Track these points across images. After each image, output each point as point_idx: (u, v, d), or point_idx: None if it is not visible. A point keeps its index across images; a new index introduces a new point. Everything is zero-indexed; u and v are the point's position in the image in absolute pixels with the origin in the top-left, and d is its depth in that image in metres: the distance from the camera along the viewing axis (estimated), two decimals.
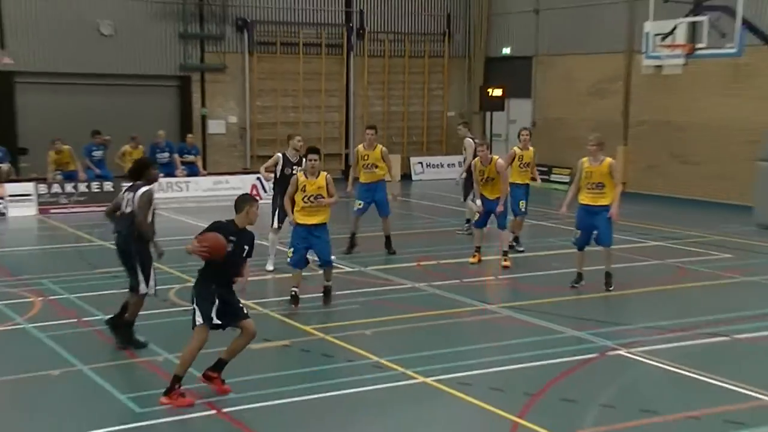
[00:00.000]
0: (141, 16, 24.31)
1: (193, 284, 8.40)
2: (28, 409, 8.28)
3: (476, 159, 14.38)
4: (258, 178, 20.67)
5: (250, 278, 8.79)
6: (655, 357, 9.74)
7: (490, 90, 25.29)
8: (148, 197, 9.73)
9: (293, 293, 11.42)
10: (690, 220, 19.20)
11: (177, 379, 8.16)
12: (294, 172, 13.55)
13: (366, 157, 15.34)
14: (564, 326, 10.92)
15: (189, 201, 21.64)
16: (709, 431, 7.72)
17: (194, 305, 8.21)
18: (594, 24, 24.83)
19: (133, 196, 9.72)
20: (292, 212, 11.50)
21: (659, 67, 19.31)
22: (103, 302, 11.68)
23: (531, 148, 15.52)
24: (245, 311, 8.39)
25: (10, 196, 20.13)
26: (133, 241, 9.78)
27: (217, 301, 8.11)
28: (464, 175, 17.47)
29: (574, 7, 25.40)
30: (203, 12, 25.21)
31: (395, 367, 9.27)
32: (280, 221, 13.24)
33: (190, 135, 24.10)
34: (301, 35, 26.47)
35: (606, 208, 12.39)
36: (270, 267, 13.63)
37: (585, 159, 12.55)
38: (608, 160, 12.51)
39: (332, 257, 11.81)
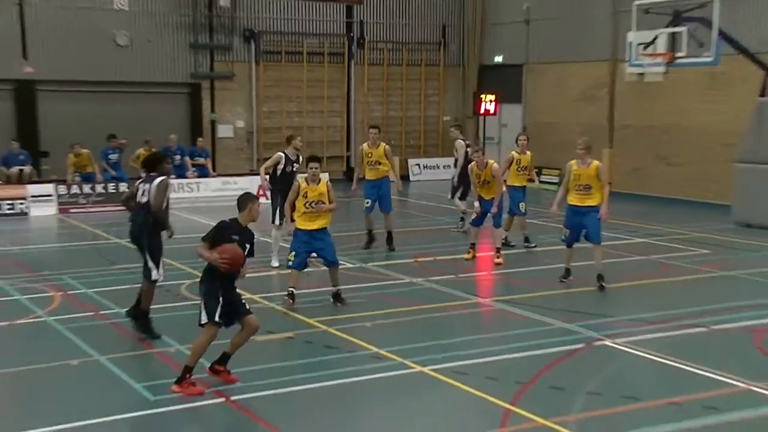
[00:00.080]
0: (154, 27, 24.31)
1: (199, 280, 8.38)
2: (49, 396, 8.29)
3: (472, 164, 14.40)
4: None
5: (256, 274, 8.79)
6: (639, 347, 9.75)
7: (483, 97, 25.31)
8: (165, 185, 9.90)
9: (290, 291, 11.28)
10: (672, 219, 19.21)
11: (188, 370, 8.17)
12: (294, 169, 13.65)
13: (370, 155, 15.37)
14: (553, 319, 10.93)
15: (199, 201, 21.64)
16: (689, 416, 7.71)
17: (201, 302, 8.22)
18: (581, 34, 24.83)
19: (150, 186, 9.83)
20: (292, 219, 11.34)
21: (642, 74, 19.31)
22: (119, 297, 11.69)
23: (528, 153, 15.50)
24: (247, 306, 8.39)
25: (32, 196, 20.16)
26: (146, 230, 9.86)
27: (221, 300, 8.10)
28: (455, 176, 17.58)
29: (562, 18, 25.40)
30: (213, 23, 25.21)
31: (394, 357, 9.27)
32: (281, 218, 13.15)
33: (200, 139, 24.13)
34: (304, 45, 26.46)
35: (593, 208, 12.36)
36: (275, 263, 13.57)
37: (573, 162, 12.53)
38: (595, 162, 12.49)
39: (337, 257, 11.61)
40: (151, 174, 10.02)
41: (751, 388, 8.45)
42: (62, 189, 20.50)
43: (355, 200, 22.98)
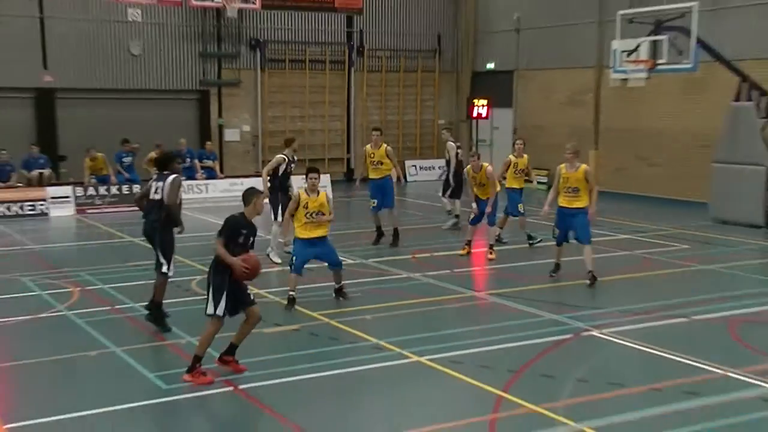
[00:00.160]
0: (166, 37, 24.31)
1: (208, 272, 8.38)
2: (69, 385, 8.33)
3: (468, 167, 14.44)
4: None
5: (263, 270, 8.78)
6: (623, 337, 9.76)
7: (476, 102, 25.32)
8: (179, 183, 9.96)
9: (290, 296, 11.03)
10: (654, 216, 19.22)
11: (197, 359, 8.19)
12: (292, 168, 13.82)
13: (372, 155, 15.44)
14: (543, 311, 10.94)
15: (208, 201, 21.64)
16: (670, 401, 7.73)
17: (209, 294, 8.22)
18: (568, 42, 24.82)
19: (163, 184, 9.85)
20: (289, 230, 11.20)
21: (625, 80, 19.31)
22: (133, 292, 11.70)
23: (525, 156, 15.47)
24: (252, 298, 8.38)
25: (52, 198, 20.16)
26: (159, 226, 9.87)
27: (227, 293, 8.10)
28: (445, 174, 17.68)
29: (550, 27, 25.39)
30: (220, 33, 25.19)
31: (393, 348, 9.28)
32: (283, 214, 12.98)
33: (208, 142, 24.12)
34: (307, 53, 26.45)
35: (581, 210, 12.31)
36: (277, 260, 13.52)
37: (562, 165, 12.49)
38: (583, 166, 12.45)
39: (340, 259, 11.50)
40: (164, 173, 10.04)
41: (728, 374, 8.48)
42: (79, 191, 20.50)
43: (355, 200, 23.07)
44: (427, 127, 28.96)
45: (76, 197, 20.40)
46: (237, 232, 8.16)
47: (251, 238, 8.35)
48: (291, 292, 11.05)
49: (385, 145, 15.49)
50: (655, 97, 21.72)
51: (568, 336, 9.87)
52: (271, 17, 25.83)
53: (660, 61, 18.12)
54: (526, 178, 15.73)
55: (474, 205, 14.42)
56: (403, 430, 7.10)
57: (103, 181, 20.95)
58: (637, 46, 18.44)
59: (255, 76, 25.75)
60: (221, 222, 8.29)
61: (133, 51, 23.80)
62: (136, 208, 10.65)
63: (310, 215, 10.99)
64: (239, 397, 7.93)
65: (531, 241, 15.39)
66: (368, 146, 15.61)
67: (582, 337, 9.84)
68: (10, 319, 10.64)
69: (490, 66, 27.87)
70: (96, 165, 21.08)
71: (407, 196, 23.44)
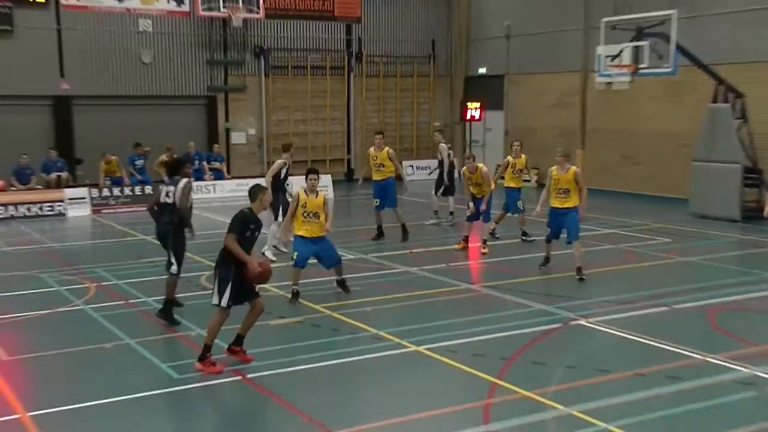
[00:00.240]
0: (175, 46, 24.27)
1: (215, 264, 8.37)
2: (86, 375, 8.34)
3: (464, 168, 14.44)
4: None
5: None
6: (609, 325, 9.78)
7: (469, 105, 25.32)
8: (189, 187, 9.99)
9: (294, 290, 11.02)
10: (637, 212, 19.24)
11: (207, 348, 8.21)
12: (288, 171, 13.77)
13: (375, 158, 15.46)
14: (533, 302, 10.95)
15: (216, 201, 21.63)
16: (653, 385, 7.74)
17: (215, 285, 8.22)
18: (555, 48, 24.81)
19: (174, 189, 9.87)
20: (290, 230, 11.08)
21: (610, 83, 19.31)
22: (146, 287, 11.72)
23: (523, 156, 15.40)
24: (256, 290, 8.39)
25: (69, 199, 20.16)
26: (171, 229, 9.88)
27: (232, 286, 8.10)
28: (437, 173, 17.75)
29: (538, 34, 25.39)
30: (227, 42, 25.16)
31: (392, 338, 9.29)
32: (284, 214, 12.87)
33: (216, 145, 24.10)
34: (308, 60, 26.42)
35: (572, 209, 12.27)
36: (272, 257, 13.37)
37: (553, 168, 12.43)
38: (573, 168, 12.40)
39: (339, 255, 11.44)
40: (174, 177, 10.04)
41: (707, 359, 8.50)
42: (95, 192, 20.50)
43: (355, 198, 23.09)
44: (423, 129, 28.95)
45: (92, 198, 20.40)
46: (246, 226, 8.19)
47: (257, 233, 8.40)
48: (294, 287, 11.05)
49: (387, 148, 15.50)
50: (638, 99, 21.73)
51: (557, 325, 9.88)
52: (274, 26, 25.81)
53: (642, 66, 18.15)
54: (525, 177, 15.64)
55: (470, 203, 14.43)
56: (402, 415, 7.12)
57: (117, 182, 20.96)
58: (620, 52, 18.46)
59: (259, 82, 25.73)
60: (228, 220, 8.30)
61: (144, 59, 23.78)
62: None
63: (308, 215, 10.94)
64: (247, 386, 7.94)
65: (524, 237, 15.38)
66: (371, 149, 15.63)
67: (570, 326, 9.85)
68: (31, 313, 10.64)
69: (482, 71, 27.85)
70: (110, 168, 21.08)
71: (404, 195, 23.39)
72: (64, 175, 21.03)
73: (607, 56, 18.80)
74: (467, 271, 13.58)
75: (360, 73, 27.40)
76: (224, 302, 8.13)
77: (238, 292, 8.19)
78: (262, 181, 13.77)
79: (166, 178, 10.35)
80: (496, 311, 10.53)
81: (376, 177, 15.44)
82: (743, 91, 18.36)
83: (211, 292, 8.44)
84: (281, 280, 11.97)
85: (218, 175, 22.99)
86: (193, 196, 10.53)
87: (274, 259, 13.36)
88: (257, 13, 24.60)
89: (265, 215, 9.22)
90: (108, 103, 23.31)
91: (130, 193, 20.73)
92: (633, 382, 7.87)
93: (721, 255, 14.32)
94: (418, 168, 27.81)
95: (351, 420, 7.06)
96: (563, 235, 12.55)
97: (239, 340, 8.46)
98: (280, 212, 13.37)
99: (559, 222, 12.40)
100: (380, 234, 15.55)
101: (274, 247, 13.73)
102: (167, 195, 9.91)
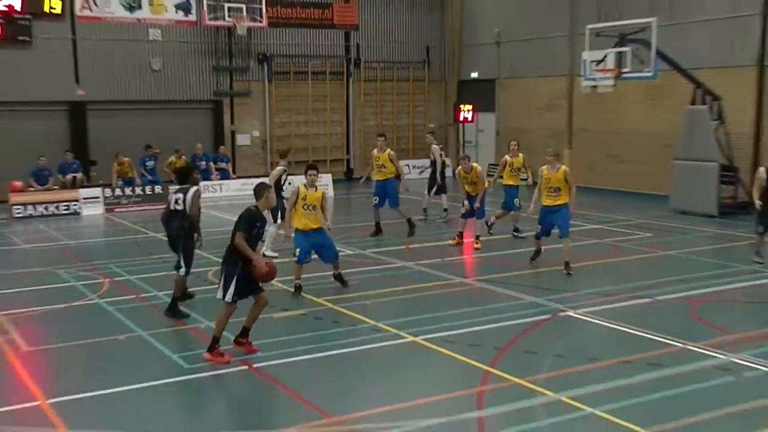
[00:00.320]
0: (183, 54, 24.22)
1: (222, 260, 8.36)
2: (101, 365, 8.34)
3: (459, 168, 14.41)
4: None
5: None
6: (596, 316, 9.79)
7: (462, 107, 25.34)
8: (199, 195, 10.00)
9: (297, 285, 11.00)
10: (621, 208, 19.24)
11: (215, 340, 8.21)
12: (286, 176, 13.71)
13: (378, 159, 15.44)
14: (524, 294, 10.95)
15: (222, 200, 21.59)
16: (637, 372, 7.76)
17: (221, 280, 8.21)
18: (543, 53, 24.77)
19: (184, 196, 9.87)
20: (290, 225, 10.99)
21: (595, 87, 19.31)
22: (157, 282, 11.71)
23: (520, 155, 15.20)
24: (260, 284, 8.38)
25: (84, 198, 20.12)
26: (182, 233, 9.88)
27: (237, 280, 8.09)
28: (429, 173, 17.74)
29: (527, 40, 25.35)
30: (232, 49, 25.10)
31: (390, 329, 9.29)
32: (282, 217, 12.82)
33: (222, 146, 24.05)
34: (309, 66, 26.36)
35: (562, 206, 12.22)
36: (270, 254, 13.26)
37: (544, 167, 12.37)
38: (563, 167, 12.35)
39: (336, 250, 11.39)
40: (183, 186, 10.03)
41: (687, 347, 8.52)
42: (108, 192, 20.46)
43: (354, 197, 23.08)
44: (419, 130, 28.85)
45: (105, 198, 20.36)
46: (253, 225, 8.18)
47: (262, 230, 8.40)
48: (297, 281, 11.05)
49: (388, 150, 15.51)
50: (621, 102, 21.71)
51: (547, 316, 9.89)
52: (276, 34, 25.75)
53: (625, 70, 18.15)
54: (523, 176, 15.49)
55: (465, 201, 14.39)
56: (401, 401, 7.13)
57: (129, 183, 20.93)
58: (604, 57, 18.46)
59: (263, 87, 25.68)
60: (234, 218, 8.29)
61: (154, 66, 23.73)
62: (159, 208, 10.65)
63: (307, 207, 10.91)
64: (254, 375, 7.95)
65: (516, 234, 15.34)
66: (374, 150, 15.66)
67: (559, 318, 9.86)
68: (49, 306, 10.64)
69: (474, 75, 27.81)
70: (122, 169, 21.04)
71: (404, 194, 23.36)
72: (79, 176, 20.98)
73: (592, 61, 18.80)
74: (461, 265, 13.57)
75: (358, 78, 27.36)
76: (229, 297, 8.13)
77: (243, 287, 8.18)
78: (265, 180, 13.85)
79: (173, 187, 10.31)
80: (489, 303, 10.53)
81: (377, 177, 15.44)
82: (720, 94, 18.38)
83: (216, 286, 8.43)
84: (284, 275, 11.97)
85: (224, 175, 22.95)
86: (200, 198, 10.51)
87: (276, 255, 13.36)
88: (261, 21, 24.55)
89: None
90: (120, 108, 23.28)
91: (141, 193, 20.70)
92: (618, 369, 7.88)
93: (700, 249, 14.34)
94: (414, 167, 27.77)
95: (352, 406, 7.07)
96: (554, 231, 12.53)
97: (245, 332, 8.46)
98: (279, 215, 13.35)
99: (551, 219, 12.36)
100: (378, 230, 15.54)
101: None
102: (177, 202, 9.90)
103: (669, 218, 17.65)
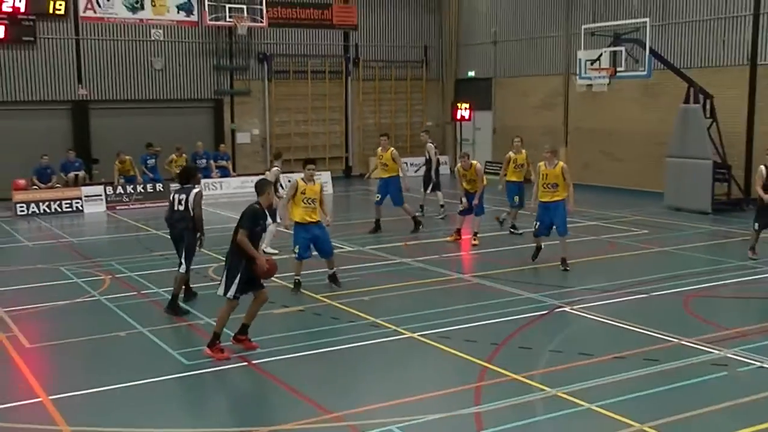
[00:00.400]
0: (184, 53, 24.14)
1: (225, 257, 8.30)
2: (103, 361, 8.30)
3: (458, 165, 14.35)
4: None
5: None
6: (592, 312, 9.75)
7: (459, 106, 25.29)
8: (201, 195, 10.02)
9: (296, 281, 10.97)
10: (616, 205, 19.19)
11: (216, 336, 8.17)
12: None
13: (381, 158, 15.47)
14: (521, 290, 10.91)
15: (222, 197, 21.53)
16: (632, 367, 7.72)
17: (224, 277, 8.16)
18: (539, 53, 24.74)
19: (187, 197, 9.85)
20: (288, 216, 10.97)
21: (590, 86, 19.28)
22: (157, 279, 11.66)
23: (524, 152, 15.05)
24: (261, 281, 8.33)
25: (86, 196, 20.06)
26: (185, 232, 9.86)
27: (240, 278, 8.05)
28: (424, 171, 17.72)
29: (523, 40, 25.30)
30: (232, 49, 25.03)
31: (388, 325, 9.25)
32: (274, 218, 12.80)
33: (222, 145, 23.99)
34: (309, 65, 26.29)
35: (560, 202, 12.11)
36: (270, 250, 13.25)
37: (541, 163, 12.30)
38: (561, 164, 12.28)
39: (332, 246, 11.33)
40: (185, 186, 10.02)
41: (682, 342, 8.49)
42: (110, 190, 20.40)
43: (353, 194, 23.05)
44: (417, 129, 28.65)
45: (107, 196, 20.30)
46: (256, 221, 8.13)
47: (264, 227, 8.37)
48: (297, 277, 11.01)
49: (391, 149, 15.55)
50: (616, 100, 21.65)
51: (543, 312, 9.84)
52: (276, 34, 25.68)
53: (619, 69, 18.12)
54: (527, 175, 15.31)
55: (463, 198, 14.32)
56: (399, 397, 7.08)
57: (131, 181, 20.87)
58: (599, 56, 18.43)
59: (263, 86, 25.61)
60: (234, 215, 8.24)
61: (155, 66, 23.66)
62: (160, 205, 10.62)
63: (307, 201, 10.87)
64: (253, 371, 7.90)
65: (513, 230, 15.27)
66: (379, 149, 15.70)
67: (556, 314, 9.82)
68: (51, 303, 10.59)
69: (471, 74, 27.75)
70: (124, 167, 20.99)
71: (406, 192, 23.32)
72: (82, 174, 20.91)
73: (588, 60, 18.77)
74: (459, 262, 13.52)
75: (357, 77, 27.29)
76: (231, 294, 8.09)
77: (245, 284, 8.14)
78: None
79: (174, 186, 10.29)
80: (487, 299, 10.48)
81: (381, 175, 15.55)
82: (712, 93, 18.34)
83: (218, 283, 8.37)
84: (283, 272, 11.92)
85: (224, 173, 22.89)
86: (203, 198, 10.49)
87: (276, 252, 13.31)
88: (261, 21, 24.49)
89: None
90: (122, 107, 23.22)
91: (143, 191, 20.63)
92: (614, 364, 7.84)
93: (694, 245, 14.30)
94: (412, 165, 27.69)
95: (350, 402, 7.02)
96: (553, 229, 12.47)
97: (244, 329, 8.41)
98: (277, 216, 13.30)
99: (549, 216, 12.26)
100: (377, 228, 15.50)
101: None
102: (180, 203, 9.89)
103: (663, 215, 17.62)
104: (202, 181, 20.43)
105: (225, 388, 7.77)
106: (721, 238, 15.15)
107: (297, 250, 10.97)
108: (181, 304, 9.98)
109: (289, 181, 13.98)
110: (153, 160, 21.57)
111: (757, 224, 12.63)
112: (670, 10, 20.61)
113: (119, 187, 20.51)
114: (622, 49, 18.09)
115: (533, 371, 7.62)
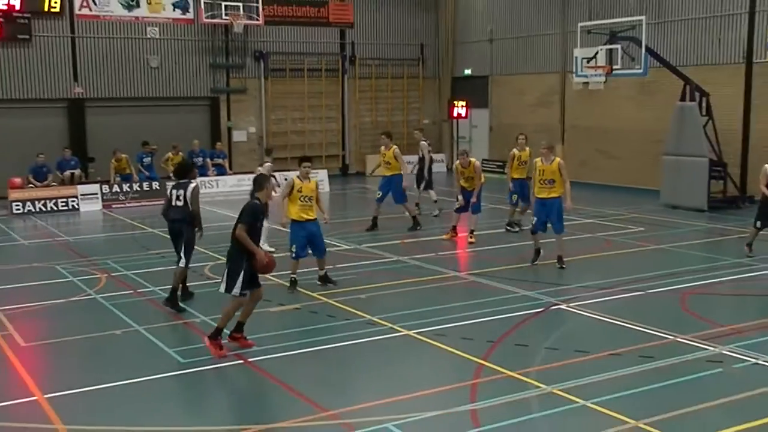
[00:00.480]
0: (180, 51, 24.10)
1: (227, 255, 8.29)
2: (98, 360, 8.28)
3: (457, 162, 14.33)
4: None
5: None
6: (588, 309, 9.76)
7: (456, 103, 25.30)
8: (198, 190, 10.04)
9: (292, 279, 10.95)
10: (613, 203, 19.20)
11: (218, 331, 8.18)
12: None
13: (384, 156, 15.53)
14: (517, 288, 10.91)
15: (219, 195, 21.49)
16: (628, 364, 7.73)
17: (226, 275, 8.15)
18: (536, 50, 24.75)
19: (184, 192, 9.87)
20: (284, 214, 10.96)
21: (586, 83, 19.28)
22: (154, 277, 11.64)
23: (527, 149, 14.89)
24: (258, 280, 8.34)
25: (82, 195, 20.01)
26: (184, 227, 9.86)
27: (243, 275, 8.05)
28: (417, 169, 17.76)
29: (520, 37, 25.31)
30: (228, 47, 24.99)
31: (384, 323, 9.24)
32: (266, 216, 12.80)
33: (218, 143, 23.96)
34: (305, 63, 26.26)
35: (556, 199, 12.05)
36: (268, 248, 13.26)
37: (538, 159, 12.28)
38: (557, 160, 12.23)
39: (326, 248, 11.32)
40: (182, 181, 10.02)
41: (677, 339, 8.50)
42: (106, 188, 20.36)
43: (350, 192, 23.02)
44: (413, 126, 28.73)
45: (103, 194, 20.25)
46: (256, 216, 8.14)
47: (263, 222, 8.38)
48: (293, 275, 11.00)
49: (394, 147, 15.58)
50: (612, 98, 21.68)
51: (539, 310, 9.84)
52: (273, 32, 25.64)
53: (615, 67, 18.13)
54: (529, 174, 15.21)
55: (459, 196, 14.30)
56: (395, 395, 7.08)
57: (127, 179, 20.83)
58: (596, 54, 18.43)
59: (259, 84, 25.58)
60: (231, 213, 8.23)
61: (151, 64, 23.61)
62: (155, 203, 10.62)
63: (304, 198, 10.86)
64: (249, 369, 7.89)
65: (509, 228, 15.26)
66: (382, 147, 15.79)
67: (552, 311, 9.82)
68: (47, 302, 10.57)
69: (468, 72, 27.75)
70: (120, 165, 20.95)
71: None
72: (78, 172, 20.88)
73: (584, 58, 18.77)
74: (455, 259, 13.53)
75: (353, 75, 27.27)
76: (236, 291, 8.08)
77: (249, 280, 8.14)
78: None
79: (171, 183, 10.29)
80: (483, 297, 10.48)
81: (384, 172, 15.62)
82: (708, 90, 18.36)
83: (215, 281, 8.37)
84: (279, 270, 11.89)
85: (221, 171, 22.87)
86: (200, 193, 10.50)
87: (273, 249, 13.28)
88: (257, 19, 24.45)
89: None
90: (118, 105, 23.17)
91: (139, 189, 20.59)
92: (609, 361, 7.85)
93: (690, 242, 14.31)
94: (408, 163, 27.61)
95: (347, 400, 7.02)
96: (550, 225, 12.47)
97: (240, 327, 8.40)
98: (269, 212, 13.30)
99: (545, 212, 12.22)
100: (374, 225, 15.50)
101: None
102: (177, 198, 9.90)
103: (660, 213, 17.64)
104: (199, 179, 20.36)
105: (221, 386, 7.76)
106: (717, 235, 15.18)
107: (294, 249, 10.95)
108: (179, 303, 9.97)
109: (285, 179, 13.98)
110: (149, 159, 21.55)
111: (759, 222, 12.61)
112: (666, 7, 20.64)
113: (115, 186, 20.48)
114: (618, 46, 18.11)
115: (529, 368, 7.62)
